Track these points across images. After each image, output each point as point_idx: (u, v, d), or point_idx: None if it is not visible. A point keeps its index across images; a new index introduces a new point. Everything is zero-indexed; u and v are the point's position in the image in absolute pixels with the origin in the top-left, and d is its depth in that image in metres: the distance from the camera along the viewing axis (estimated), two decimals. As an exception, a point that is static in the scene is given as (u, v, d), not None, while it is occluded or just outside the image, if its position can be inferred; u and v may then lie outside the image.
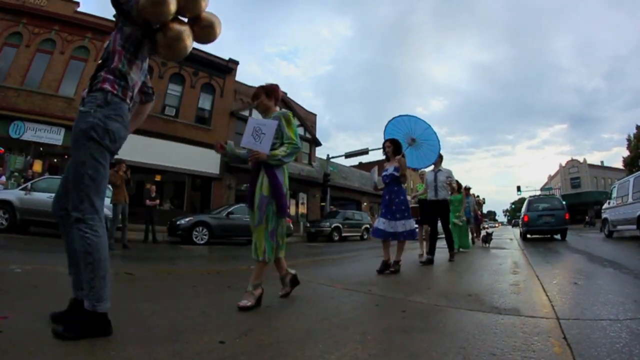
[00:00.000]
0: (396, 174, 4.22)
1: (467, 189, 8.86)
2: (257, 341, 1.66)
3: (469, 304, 2.51)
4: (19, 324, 1.73)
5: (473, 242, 9.40)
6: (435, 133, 4.98)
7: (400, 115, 5.08)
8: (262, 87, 2.65)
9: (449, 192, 5.59)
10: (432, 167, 5.57)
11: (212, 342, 1.62)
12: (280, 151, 2.46)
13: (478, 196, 10.70)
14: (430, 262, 5.03)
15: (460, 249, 7.08)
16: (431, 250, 5.24)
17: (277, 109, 2.67)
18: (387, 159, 4.45)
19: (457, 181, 7.38)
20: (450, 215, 7.01)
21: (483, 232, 10.30)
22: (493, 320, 2.08)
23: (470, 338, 1.75)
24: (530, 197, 14.44)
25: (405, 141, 4.79)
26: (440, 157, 5.53)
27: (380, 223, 4.21)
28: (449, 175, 5.54)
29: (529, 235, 12.15)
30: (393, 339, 1.75)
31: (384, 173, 4.37)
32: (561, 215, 10.98)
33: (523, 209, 12.40)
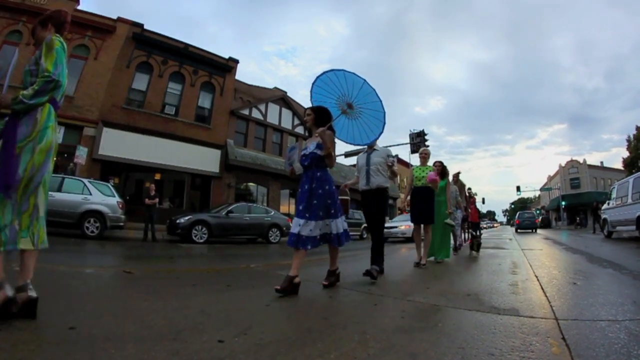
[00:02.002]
0: (319, 152, 3.05)
1: (457, 175, 7.54)
2: (256, 340, 1.66)
3: (468, 304, 2.51)
4: (19, 323, 1.73)
5: (460, 247, 7.68)
6: (375, 91, 3.60)
7: (325, 73, 3.57)
8: (40, 16, 2.13)
9: (388, 179, 4.11)
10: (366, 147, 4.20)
11: (211, 341, 1.62)
12: (27, 90, 1.84)
13: (470, 189, 9.15)
14: (370, 275, 3.52)
15: (438, 259, 5.46)
16: (375, 259, 3.79)
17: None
18: (310, 134, 3.31)
19: (441, 163, 5.77)
20: (441, 210, 5.53)
21: (464, 236, 8.70)
22: (492, 320, 2.08)
23: (469, 338, 1.75)
24: (519, 211, 29.88)
25: (338, 108, 3.56)
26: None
27: (295, 225, 2.97)
28: (386, 155, 4.05)
29: (519, 230, 23.20)
30: (392, 338, 1.75)
31: (302, 152, 3.24)
32: (533, 220, 23.92)
33: (516, 217, 26.25)
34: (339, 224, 3.09)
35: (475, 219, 9.72)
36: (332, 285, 3.18)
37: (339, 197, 3.41)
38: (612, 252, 6.69)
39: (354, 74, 3.58)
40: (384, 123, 3.69)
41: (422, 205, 4.90)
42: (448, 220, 5.63)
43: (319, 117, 3.19)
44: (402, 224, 12.98)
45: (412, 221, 5.22)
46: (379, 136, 3.77)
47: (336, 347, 1.60)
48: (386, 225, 11.38)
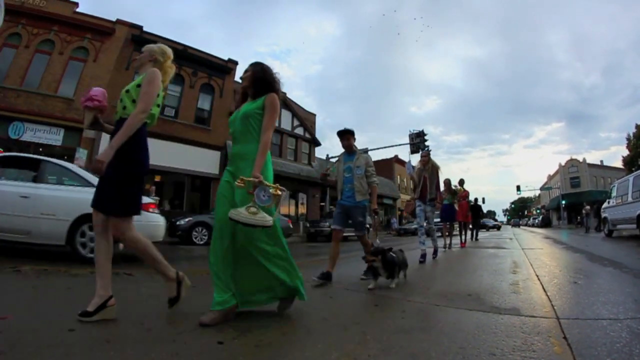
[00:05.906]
0: None
1: (427, 154, 5.53)
2: (255, 341, 1.66)
3: (468, 304, 2.51)
4: (18, 325, 1.72)
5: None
6: None
7: None
8: None
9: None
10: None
11: (211, 342, 1.61)
12: None
13: (462, 180, 7.88)
14: None
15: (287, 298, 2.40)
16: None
17: None
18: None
19: (258, 67, 2.40)
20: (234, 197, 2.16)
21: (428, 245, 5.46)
22: (493, 320, 2.08)
23: (470, 338, 1.75)
24: (513, 219, 71.10)
25: None
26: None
27: None
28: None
29: (513, 227, 40.71)
30: (392, 339, 1.75)
31: None
32: (519, 223, 56.61)
33: (512, 221, 67.35)
34: None
35: (464, 218, 8.77)
36: None
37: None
38: (613, 251, 6.68)
39: None
40: None
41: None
42: (234, 212, 1.96)
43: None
44: None
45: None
46: None
47: (336, 348, 1.59)
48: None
